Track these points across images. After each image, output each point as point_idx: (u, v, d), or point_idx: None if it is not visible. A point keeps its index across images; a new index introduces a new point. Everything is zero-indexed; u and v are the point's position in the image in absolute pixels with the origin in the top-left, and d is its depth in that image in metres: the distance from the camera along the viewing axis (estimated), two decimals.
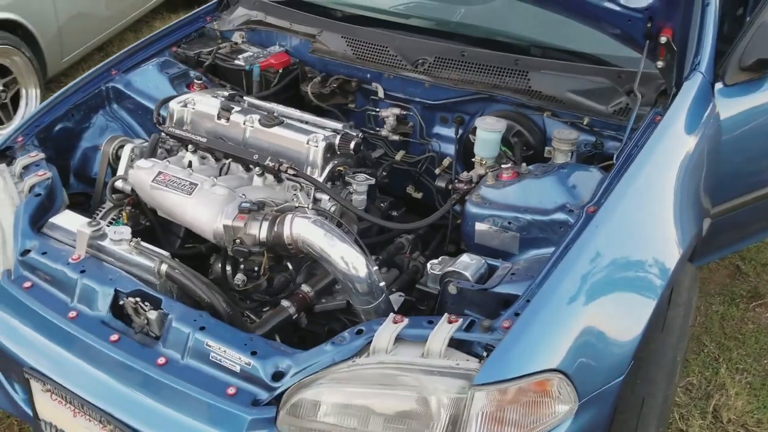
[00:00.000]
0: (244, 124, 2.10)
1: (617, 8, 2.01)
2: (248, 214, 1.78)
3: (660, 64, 2.04)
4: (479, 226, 1.88)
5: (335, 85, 2.42)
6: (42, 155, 2.15)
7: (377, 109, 2.42)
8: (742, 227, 2.54)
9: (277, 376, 1.51)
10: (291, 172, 1.92)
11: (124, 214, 2.03)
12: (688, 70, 2.10)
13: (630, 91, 2.09)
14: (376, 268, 1.72)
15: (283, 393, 1.49)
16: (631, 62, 2.11)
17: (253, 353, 1.54)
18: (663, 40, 1.98)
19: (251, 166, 2.01)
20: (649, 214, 1.75)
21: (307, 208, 1.89)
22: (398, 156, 2.40)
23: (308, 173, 1.99)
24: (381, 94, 2.40)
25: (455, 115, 2.34)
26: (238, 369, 1.54)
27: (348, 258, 1.69)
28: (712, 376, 2.59)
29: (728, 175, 2.22)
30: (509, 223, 1.82)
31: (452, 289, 1.68)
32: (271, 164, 1.94)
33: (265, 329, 1.74)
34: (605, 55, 2.22)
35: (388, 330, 1.50)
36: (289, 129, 2.06)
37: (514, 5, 2.23)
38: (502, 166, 1.95)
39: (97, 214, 2.06)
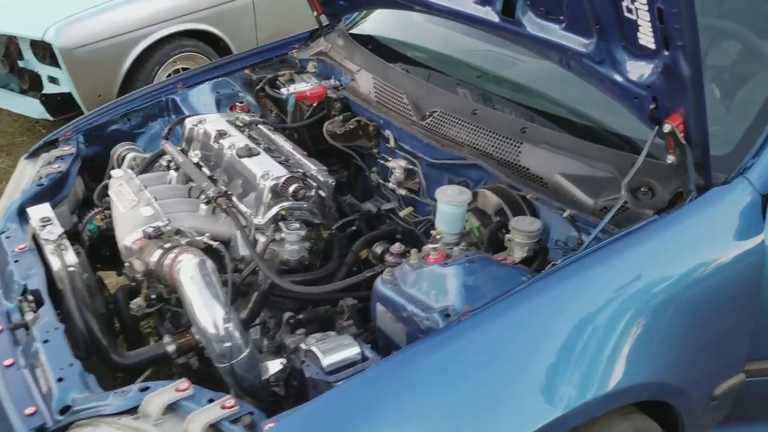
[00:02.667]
0: (227, 149, 2.09)
1: (622, 81, 1.60)
2: (149, 239, 1.75)
3: (670, 159, 1.58)
4: (379, 308, 1.63)
5: (352, 127, 2.28)
6: (73, 150, 2.35)
7: (389, 159, 2.23)
8: None
9: (64, 410, 1.45)
10: (223, 205, 1.85)
11: (98, 217, 2.13)
12: (734, 173, 1.61)
13: (636, 188, 1.65)
14: (234, 328, 1.57)
15: (65, 426, 1.44)
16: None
17: (60, 380, 1.50)
18: (667, 128, 1.52)
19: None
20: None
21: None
22: (403, 212, 2.18)
23: (258, 211, 1.91)
24: (392, 143, 2.21)
25: (460, 179, 2.06)
26: (45, 390, 1.52)
27: (207, 311, 1.58)
28: None
29: None
30: (401, 312, 1.55)
31: (306, 371, 1.49)
32: (211, 194, 1.90)
33: (131, 361, 1.69)
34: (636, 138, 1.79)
35: (161, 396, 1.36)
36: (256, 163, 1.99)
37: None
38: (431, 246, 1.66)
39: (87, 214, 2.19)
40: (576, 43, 1.69)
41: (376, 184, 2.31)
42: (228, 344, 1.55)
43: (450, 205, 1.76)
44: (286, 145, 2.16)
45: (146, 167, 2.23)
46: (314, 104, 2.42)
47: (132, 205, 1.89)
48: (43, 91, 4.24)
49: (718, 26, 1.98)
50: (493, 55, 2.35)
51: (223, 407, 1.31)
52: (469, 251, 1.64)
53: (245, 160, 2.01)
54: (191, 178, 2.04)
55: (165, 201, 1.95)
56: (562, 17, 1.72)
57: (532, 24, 1.81)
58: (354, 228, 2.06)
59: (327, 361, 1.49)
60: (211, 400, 1.34)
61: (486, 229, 1.80)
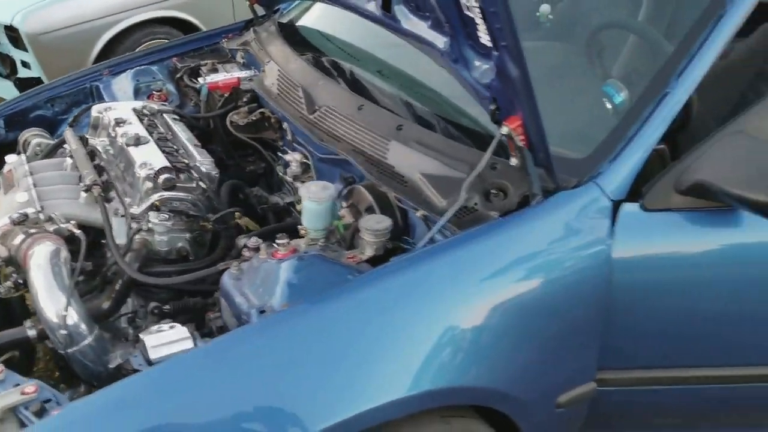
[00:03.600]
0: (120, 138, 2.10)
1: (472, 80, 1.57)
2: (15, 225, 1.78)
3: (514, 161, 1.55)
4: (222, 302, 1.63)
5: (255, 119, 2.28)
6: None
7: (287, 152, 2.23)
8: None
9: None
10: (95, 193, 1.87)
11: None
12: (586, 178, 1.57)
13: (488, 190, 1.62)
14: (75, 316, 1.59)
15: None
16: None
17: None
18: (504, 130, 1.49)
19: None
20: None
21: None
22: (300, 206, 2.17)
23: (135, 201, 1.93)
24: (290, 136, 2.20)
25: (348, 175, 2.05)
26: None
27: (49, 299, 1.60)
28: None
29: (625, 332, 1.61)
30: (233, 307, 1.55)
31: (133, 362, 1.50)
32: (87, 182, 1.92)
33: None
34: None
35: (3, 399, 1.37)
36: (140, 153, 2.00)
37: None
38: (277, 242, 1.65)
39: None
40: (438, 40, 1.67)
41: (281, 177, 2.31)
42: (65, 332, 1.57)
43: (311, 201, 1.75)
44: (183, 136, 2.17)
45: (48, 153, 2.26)
46: (226, 95, 2.43)
47: (10, 190, 1.92)
48: (18, 75, 4.32)
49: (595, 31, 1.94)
50: (401, 50, 2.33)
51: (23, 393, 1.33)
52: (311, 249, 1.63)
53: (131, 149, 2.03)
54: (78, 166, 2.06)
55: (49, 188, 1.97)
56: (428, 14, 1.69)
57: (406, 19, 1.79)
58: (237, 221, 2.05)
59: (154, 354, 1.49)
60: (17, 385, 1.36)
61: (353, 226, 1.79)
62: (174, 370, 1.32)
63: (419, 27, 1.73)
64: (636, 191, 1.58)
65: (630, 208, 1.56)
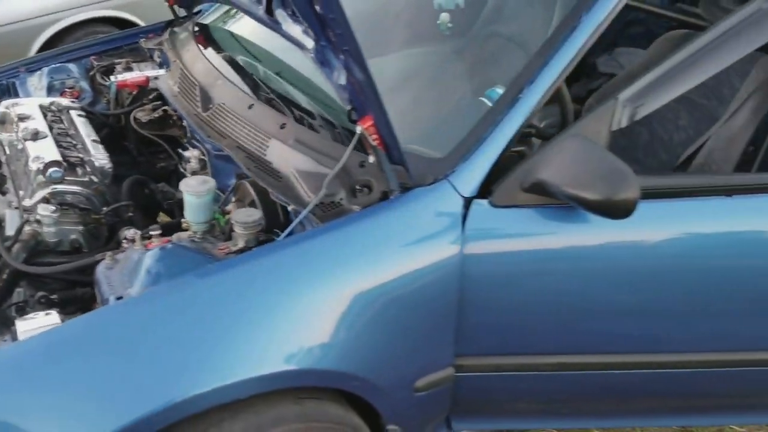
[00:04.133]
0: (20, 133, 2.17)
1: (334, 82, 1.67)
2: None
3: (371, 159, 1.65)
4: (97, 291, 1.71)
5: (158, 116, 2.36)
6: None
7: (187, 149, 2.31)
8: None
9: None
10: None
11: None
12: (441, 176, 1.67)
13: (354, 186, 1.72)
14: None
15: None
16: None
17: None
18: (358, 130, 1.59)
19: None
20: None
21: None
22: None
23: (27, 193, 2.00)
24: (189, 133, 2.28)
25: (241, 171, 2.13)
26: None
27: None
28: None
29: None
30: (101, 295, 1.63)
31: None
32: None
33: None
34: None
35: None
36: (35, 147, 2.07)
37: None
38: (151, 233, 1.74)
39: None
40: (309, 43, 1.76)
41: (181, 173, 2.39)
42: None
43: (190, 194, 1.84)
44: (83, 131, 2.24)
45: None
46: (133, 92, 2.51)
47: None
48: None
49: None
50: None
51: None
52: (182, 241, 1.72)
53: (29, 144, 2.10)
54: None
55: None
56: (301, 18, 1.79)
57: (285, 23, 1.88)
58: (131, 214, 2.13)
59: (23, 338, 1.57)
60: None
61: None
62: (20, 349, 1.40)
63: (295, 30, 1.83)
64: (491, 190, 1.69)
65: (480, 204, 1.67)
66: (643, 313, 1.76)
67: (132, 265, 1.63)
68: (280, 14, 1.89)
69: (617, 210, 1.55)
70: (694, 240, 1.76)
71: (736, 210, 1.75)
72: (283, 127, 1.97)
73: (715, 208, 1.74)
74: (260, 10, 1.99)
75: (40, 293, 1.91)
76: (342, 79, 1.60)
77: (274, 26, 1.93)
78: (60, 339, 1.43)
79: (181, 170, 2.36)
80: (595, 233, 1.69)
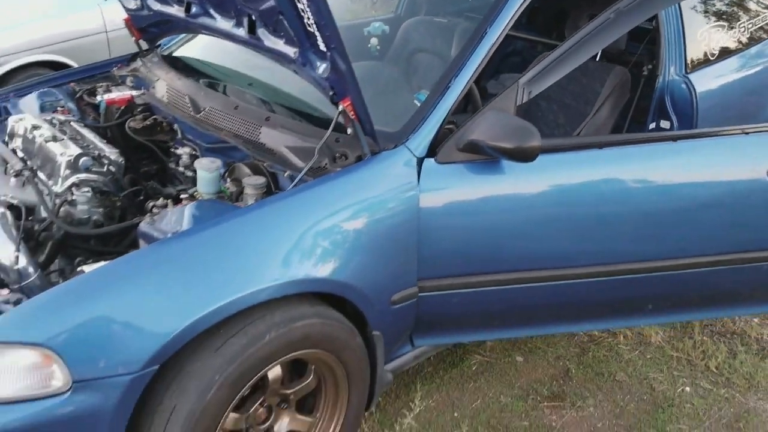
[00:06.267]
0: (38, 138, 2.60)
1: (315, 76, 2.26)
2: None
3: (349, 131, 2.25)
4: (141, 243, 2.18)
5: (148, 123, 2.85)
6: None
7: (178, 147, 2.81)
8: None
9: None
10: (25, 174, 2.38)
11: None
12: (400, 143, 2.28)
13: (334, 154, 2.30)
14: (23, 258, 2.09)
15: None
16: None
17: None
18: (340, 108, 2.19)
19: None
20: None
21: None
22: (191, 191, 2.75)
23: (57, 182, 2.44)
24: (180, 134, 2.79)
25: (230, 160, 2.66)
26: None
27: (1, 247, 2.09)
28: None
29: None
30: (150, 240, 2.12)
31: None
32: (18, 167, 2.41)
33: None
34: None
35: None
36: (59, 145, 2.52)
37: None
38: (181, 196, 2.25)
39: None
40: (291, 51, 2.35)
41: (173, 171, 2.87)
42: (17, 267, 2.06)
43: (203, 170, 2.36)
44: (89, 135, 2.69)
45: None
46: (122, 108, 2.98)
47: None
48: None
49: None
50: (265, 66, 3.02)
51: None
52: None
53: (50, 144, 2.54)
54: (5, 159, 2.54)
55: None
56: (282, 33, 2.37)
57: (267, 39, 2.46)
58: (142, 197, 2.60)
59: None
60: None
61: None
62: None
63: (277, 44, 2.41)
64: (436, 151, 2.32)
65: (429, 162, 2.29)
66: (549, 235, 2.43)
67: (176, 216, 2.12)
68: (261, 32, 2.48)
69: (526, 155, 2.21)
70: (579, 178, 2.45)
71: (607, 156, 2.48)
72: (267, 119, 2.53)
73: (591, 155, 2.46)
74: (242, 32, 2.56)
75: (78, 259, 2.34)
76: (325, 72, 2.19)
77: (257, 43, 2.51)
78: (154, 256, 1.94)
79: (172, 167, 2.85)
80: (510, 179, 2.35)
